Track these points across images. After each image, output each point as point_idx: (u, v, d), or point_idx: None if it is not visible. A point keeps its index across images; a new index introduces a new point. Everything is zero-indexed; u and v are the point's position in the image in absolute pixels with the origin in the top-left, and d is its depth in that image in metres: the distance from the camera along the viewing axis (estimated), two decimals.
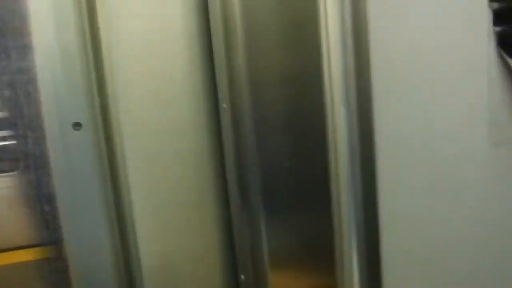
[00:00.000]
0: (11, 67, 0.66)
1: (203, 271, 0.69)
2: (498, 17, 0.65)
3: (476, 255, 0.73)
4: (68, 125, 0.67)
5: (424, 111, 0.67)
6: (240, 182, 0.64)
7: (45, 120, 0.67)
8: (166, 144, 0.68)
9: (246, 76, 0.60)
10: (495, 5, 0.65)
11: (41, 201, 0.68)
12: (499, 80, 0.69)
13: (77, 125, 0.67)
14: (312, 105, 0.57)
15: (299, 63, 0.58)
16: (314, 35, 0.55)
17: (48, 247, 0.69)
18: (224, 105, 0.64)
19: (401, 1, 0.62)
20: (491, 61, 0.68)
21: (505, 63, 0.68)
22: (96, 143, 0.68)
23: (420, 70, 0.66)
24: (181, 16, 0.67)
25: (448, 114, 0.69)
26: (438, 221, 0.69)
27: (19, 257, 0.74)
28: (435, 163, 0.69)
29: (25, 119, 0.67)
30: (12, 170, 0.69)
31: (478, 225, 0.73)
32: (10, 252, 0.73)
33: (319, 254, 0.59)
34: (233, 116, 0.63)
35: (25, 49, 0.66)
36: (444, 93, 0.68)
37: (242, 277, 0.65)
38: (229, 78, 0.62)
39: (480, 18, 0.66)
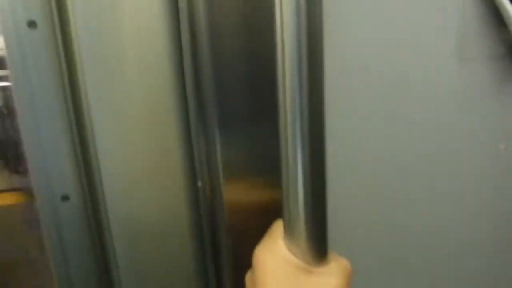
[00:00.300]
0: None
1: (164, 179, 0.70)
2: None
3: (427, 175, 0.74)
4: (23, 23, 0.64)
5: (386, 22, 0.65)
6: (197, 95, 0.63)
7: None
8: (126, 50, 0.66)
9: None
10: None
11: None
12: None
13: (32, 24, 0.64)
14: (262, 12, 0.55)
15: None
16: None
17: None
18: (182, 4, 0.62)
19: None
20: None
21: None
22: (52, 42, 0.66)
23: None
24: None
25: (415, 27, 0.67)
26: (393, 134, 0.69)
27: None
28: (396, 80, 0.68)
29: None
30: None
31: (438, 139, 0.73)
32: None
33: (269, 166, 0.60)
34: (190, 17, 0.61)
35: None
36: (411, 5, 0.66)
37: (200, 183, 0.66)
38: None
39: None
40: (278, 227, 0.53)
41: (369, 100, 0.67)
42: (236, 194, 0.62)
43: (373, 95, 0.67)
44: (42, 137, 0.68)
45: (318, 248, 0.51)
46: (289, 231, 0.51)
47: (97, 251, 0.74)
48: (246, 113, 0.62)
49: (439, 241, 0.80)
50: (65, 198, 0.71)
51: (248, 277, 0.54)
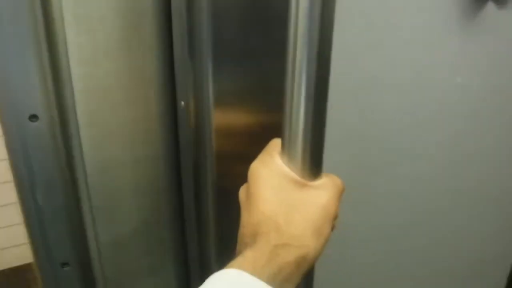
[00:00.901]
0: None
1: (142, 96, 0.68)
2: None
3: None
4: None
5: None
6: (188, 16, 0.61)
7: None
8: None
9: None
10: None
11: None
12: None
13: None
14: None
15: None
16: None
17: None
18: None
19: None
20: None
21: None
22: None
23: None
24: None
25: None
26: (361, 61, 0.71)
27: None
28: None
29: None
30: None
31: (398, 70, 0.76)
32: None
33: (268, 95, 0.59)
34: None
35: None
36: None
37: (182, 103, 0.65)
38: None
39: None
40: (275, 144, 0.54)
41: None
42: (225, 119, 0.62)
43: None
44: (7, 50, 0.63)
45: (314, 164, 0.53)
46: (286, 147, 0.52)
47: (66, 174, 0.72)
48: (240, 35, 0.60)
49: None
50: (33, 117, 0.67)
51: (242, 189, 0.55)
